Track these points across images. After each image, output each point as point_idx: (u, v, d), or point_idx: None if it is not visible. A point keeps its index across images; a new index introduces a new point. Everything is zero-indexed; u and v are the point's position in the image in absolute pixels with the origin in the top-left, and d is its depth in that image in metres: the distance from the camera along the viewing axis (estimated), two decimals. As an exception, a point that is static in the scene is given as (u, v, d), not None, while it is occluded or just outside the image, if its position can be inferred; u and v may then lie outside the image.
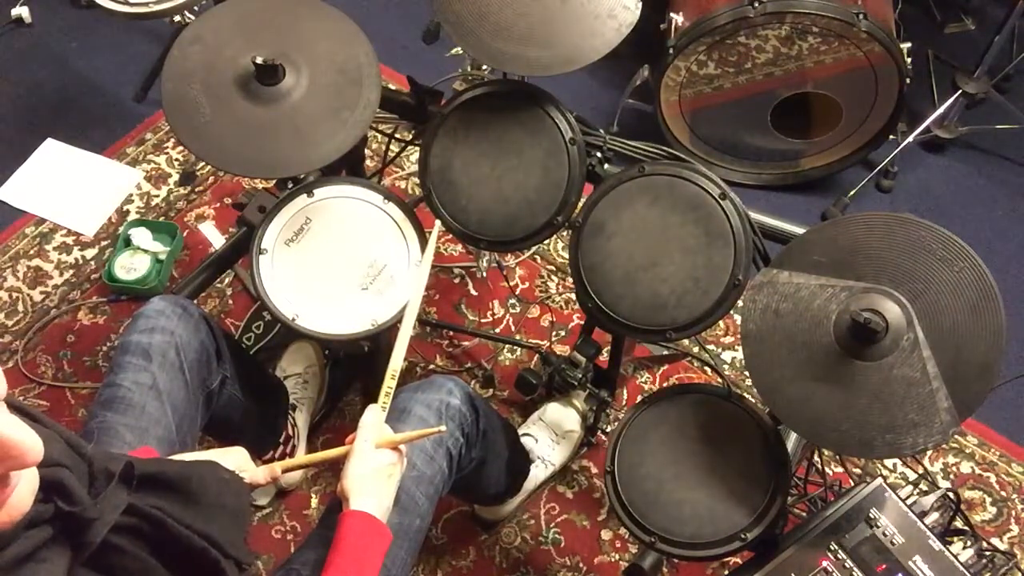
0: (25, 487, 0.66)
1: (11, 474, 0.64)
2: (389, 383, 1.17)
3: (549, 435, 1.74)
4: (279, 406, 1.67)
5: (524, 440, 1.67)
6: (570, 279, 1.46)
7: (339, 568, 1.00)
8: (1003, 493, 1.76)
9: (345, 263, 1.41)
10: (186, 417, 1.24)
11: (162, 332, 1.25)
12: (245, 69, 1.34)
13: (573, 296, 1.95)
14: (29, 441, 0.61)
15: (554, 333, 1.96)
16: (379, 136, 2.17)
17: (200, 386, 1.30)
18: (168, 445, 1.20)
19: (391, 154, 1.86)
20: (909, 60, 1.92)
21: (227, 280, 2.04)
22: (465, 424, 1.27)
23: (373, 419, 1.13)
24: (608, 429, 1.79)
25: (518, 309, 2.01)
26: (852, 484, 1.53)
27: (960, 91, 2.13)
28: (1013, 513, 1.74)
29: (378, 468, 1.08)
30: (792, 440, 1.39)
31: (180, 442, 1.22)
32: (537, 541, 1.72)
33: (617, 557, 1.70)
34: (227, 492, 0.94)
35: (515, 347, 1.94)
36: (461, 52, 1.59)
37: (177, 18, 2.24)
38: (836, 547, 1.15)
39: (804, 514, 1.49)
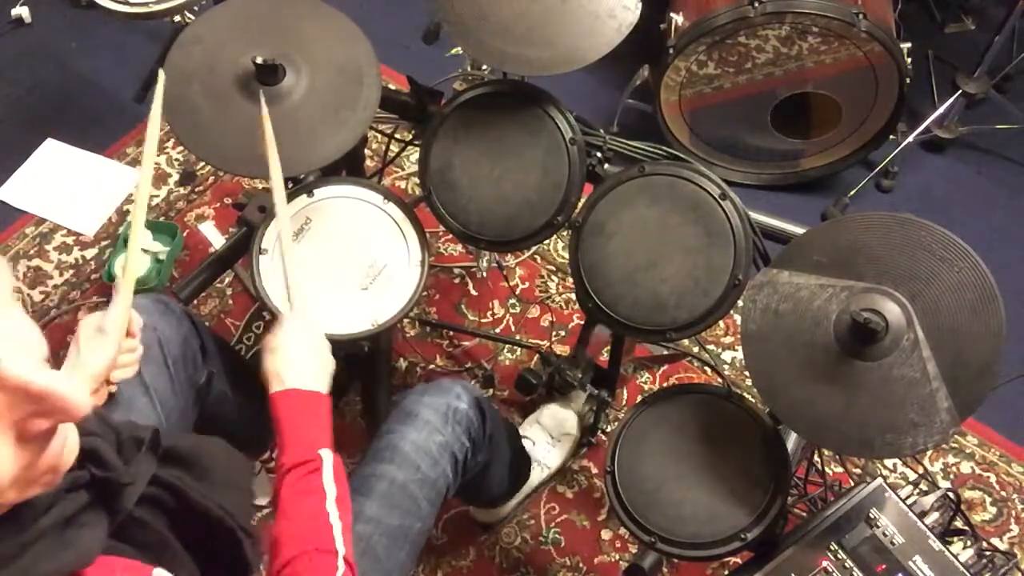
0: (72, 447, 0.67)
1: (61, 429, 0.64)
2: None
3: (546, 438, 1.74)
4: None
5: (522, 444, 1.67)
6: (570, 279, 1.46)
7: (290, 448, 1.03)
8: (1003, 493, 1.76)
9: (345, 263, 1.41)
10: (175, 411, 1.24)
11: (143, 328, 1.25)
12: (245, 69, 1.34)
13: (573, 296, 1.95)
14: (76, 393, 0.61)
15: (554, 333, 1.96)
16: (379, 136, 2.17)
17: (187, 382, 1.29)
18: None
19: (391, 154, 1.86)
20: (909, 60, 1.92)
21: (227, 280, 2.04)
22: (472, 429, 1.26)
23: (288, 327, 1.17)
24: (608, 429, 1.80)
25: (518, 309, 2.01)
26: (852, 484, 1.53)
27: (960, 91, 2.13)
28: (1013, 513, 1.74)
29: (287, 347, 1.12)
30: (792, 440, 1.39)
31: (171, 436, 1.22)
32: (537, 541, 1.72)
33: (617, 557, 1.70)
34: (234, 468, 0.95)
35: (515, 347, 1.94)
36: (461, 52, 1.59)
37: (177, 18, 2.23)
38: (836, 547, 1.15)
39: (804, 514, 1.49)
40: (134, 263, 1.13)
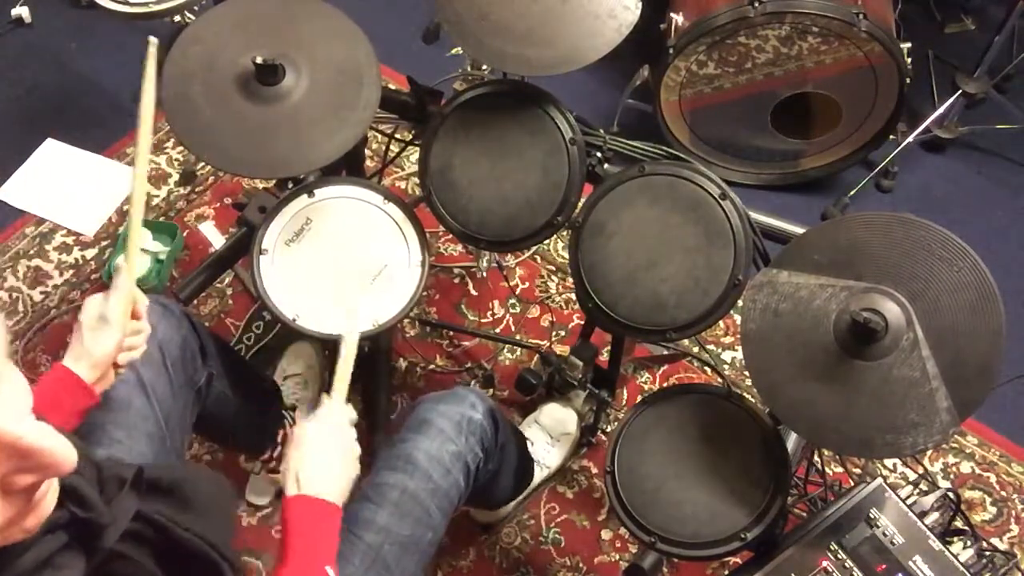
0: (53, 494, 0.66)
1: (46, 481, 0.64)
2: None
3: (545, 438, 1.74)
4: (271, 406, 1.66)
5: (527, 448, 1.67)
6: (570, 279, 1.46)
7: (292, 561, 0.97)
8: (1003, 493, 1.76)
9: (345, 263, 1.41)
10: (173, 413, 1.24)
11: None
12: (245, 69, 1.34)
13: (573, 296, 1.95)
14: (65, 449, 0.60)
15: (554, 333, 1.96)
16: (379, 136, 2.17)
17: (186, 383, 1.29)
18: (158, 441, 1.20)
19: (391, 154, 1.86)
20: (909, 60, 1.92)
21: (227, 280, 2.04)
22: (485, 439, 1.26)
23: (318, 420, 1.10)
24: (608, 429, 1.80)
25: (518, 309, 2.01)
26: (852, 484, 1.53)
27: (960, 91, 2.13)
28: (1013, 513, 1.74)
29: (315, 446, 1.06)
30: (792, 440, 1.39)
31: (170, 438, 1.22)
32: (537, 541, 1.72)
33: (617, 557, 1.70)
34: (217, 494, 0.94)
35: (515, 347, 1.94)
36: (461, 52, 1.59)
37: (177, 18, 2.24)
38: (836, 547, 1.15)
39: (804, 514, 1.49)
40: (135, 247, 1.11)
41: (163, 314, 1.28)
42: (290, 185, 1.48)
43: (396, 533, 1.14)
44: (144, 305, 1.11)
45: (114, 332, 1.06)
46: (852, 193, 2.15)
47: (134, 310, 1.10)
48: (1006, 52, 2.21)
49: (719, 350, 1.96)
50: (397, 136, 1.73)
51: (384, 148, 1.83)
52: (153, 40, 1.15)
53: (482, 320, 1.99)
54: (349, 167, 1.68)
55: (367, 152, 2.16)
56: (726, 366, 1.93)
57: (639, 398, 1.37)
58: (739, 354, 1.93)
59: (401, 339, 1.94)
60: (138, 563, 0.81)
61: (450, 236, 1.97)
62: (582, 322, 1.70)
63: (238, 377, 1.46)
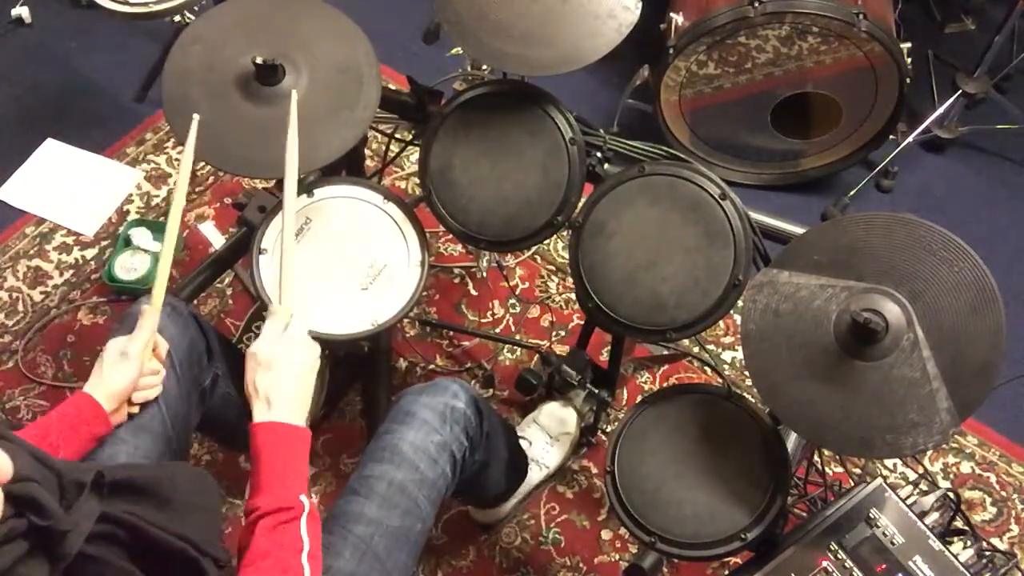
0: None
1: None
2: None
3: (544, 437, 1.73)
4: None
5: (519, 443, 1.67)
6: (570, 279, 1.46)
7: (267, 491, 0.98)
8: (1003, 493, 1.76)
9: (345, 263, 1.41)
10: (179, 413, 1.24)
11: None
12: (245, 69, 1.34)
13: (573, 296, 1.95)
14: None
15: (554, 333, 1.96)
16: (379, 136, 2.17)
17: (192, 383, 1.29)
18: (164, 441, 1.20)
19: (391, 154, 1.86)
20: (909, 60, 1.92)
21: (227, 280, 2.04)
22: (469, 428, 1.26)
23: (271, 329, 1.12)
24: (608, 429, 1.80)
25: (518, 309, 2.01)
26: (852, 484, 1.53)
27: (960, 91, 2.13)
28: (1013, 513, 1.74)
29: (281, 366, 1.07)
30: (792, 440, 1.39)
31: (176, 438, 1.22)
32: (537, 541, 1.72)
33: (617, 557, 1.70)
34: (198, 491, 0.94)
35: (515, 347, 1.94)
36: (461, 52, 1.59)
37: (177, 18, 2.24)
38: (836, 547, 1.15)
39: (804, 514, 1.49)
40: (160, 290, 1.15)
41: (170, 314, 1.28)
42: (290, 185, 1.48)
43: (386, 525, 1.15)
44: (164, 348, 1.16)
45: (132, 367, 1.11)
46: (852, 193, 2.15)
47: (155, 351, 1.15)
48: (1006, 52, 2.21)
49: (719, 350, 1.96)
50: (397, 136, 1.74)
51: (384, 148, 1.83)
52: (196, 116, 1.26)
53: (482, 320, 1.99)
54: (349, 167, 1.68)
55: (367, 152, 2.16)
56: (726, 366, 1.93)
57: (639, 398, 1.37)
58: (739, 354, 1.93)
59: (401, 339, 1.94)
60: (111, 564, 0.81)
61: (450, 236, 1.98)
62: (582, 322, 1.70)
63: (243, 377, 1.45)
